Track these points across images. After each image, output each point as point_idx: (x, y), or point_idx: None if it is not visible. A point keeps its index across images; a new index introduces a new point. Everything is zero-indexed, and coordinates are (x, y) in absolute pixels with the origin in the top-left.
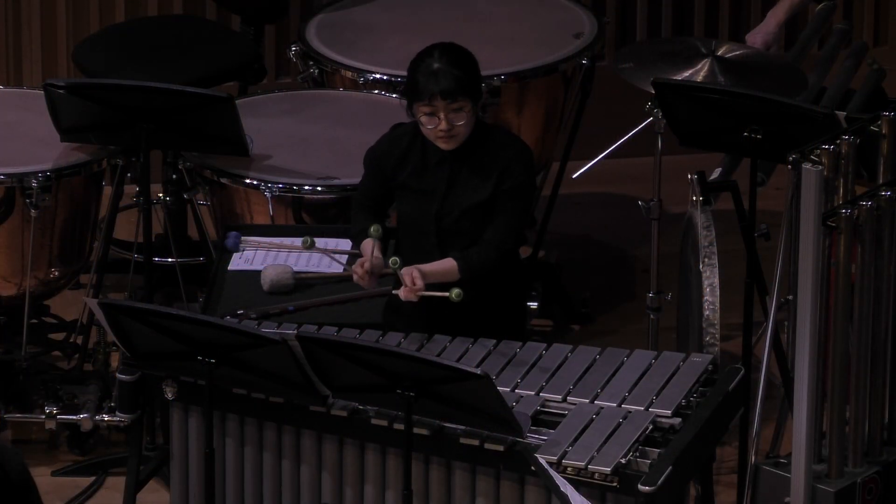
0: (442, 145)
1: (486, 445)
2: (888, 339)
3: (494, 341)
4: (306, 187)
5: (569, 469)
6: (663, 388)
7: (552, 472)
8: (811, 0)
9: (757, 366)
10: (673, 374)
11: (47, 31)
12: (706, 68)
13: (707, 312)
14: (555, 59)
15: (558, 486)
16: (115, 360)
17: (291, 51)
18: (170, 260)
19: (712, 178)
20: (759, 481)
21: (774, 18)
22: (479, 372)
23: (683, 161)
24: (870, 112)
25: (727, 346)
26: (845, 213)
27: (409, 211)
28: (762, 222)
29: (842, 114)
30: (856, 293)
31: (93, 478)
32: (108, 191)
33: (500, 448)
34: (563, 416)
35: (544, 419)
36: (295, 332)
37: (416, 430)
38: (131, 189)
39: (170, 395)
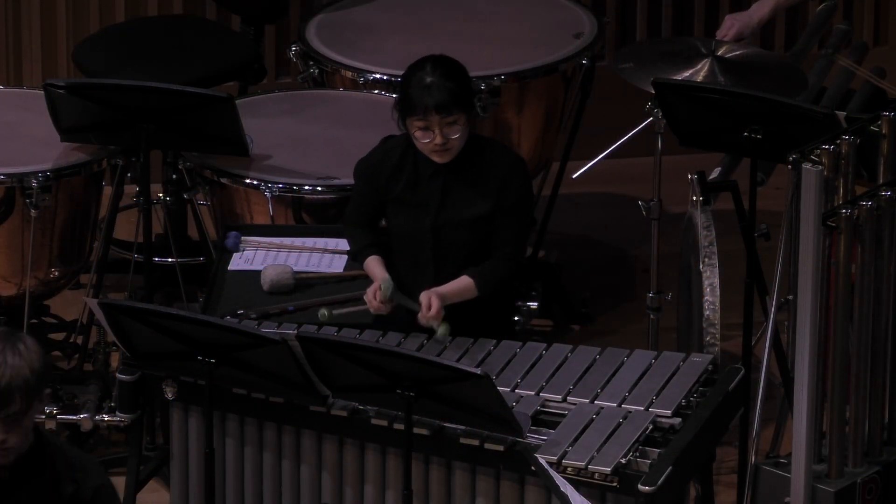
0: (436, 159)
1: (486, 445)
2: (888, 339)
3: (494, 341)
4: (306, 187)
5: (569, 469)
6: (663, 388)
7: (552, 472)
8: (801, 1)
9: (757, 366)
10: (673, 374)
11: (47, 31)
12: (706, 68)
13: (707, 312)
14: (555, 59)
15: (558, 486)
16: (115, 360)
17: (291, 51)
18: (170, 260)
19: (712, 178)
20: (759, 481)
21: (759, 13)
22: (479, 372)
23: (683, 161)
24: (870, 112)
25: (727, 346)
26: (845, 213)
27: (402, 224)
28: (762, 222)
29: (842, 114)
30: (856, 293)
31: None
32: (108, 191)
33: (500, 448)
34: (563, 416)
35: (544, 419)
36: (295, 332)
37: (416, 430)
38: (131, 189)
39: (170, 395)
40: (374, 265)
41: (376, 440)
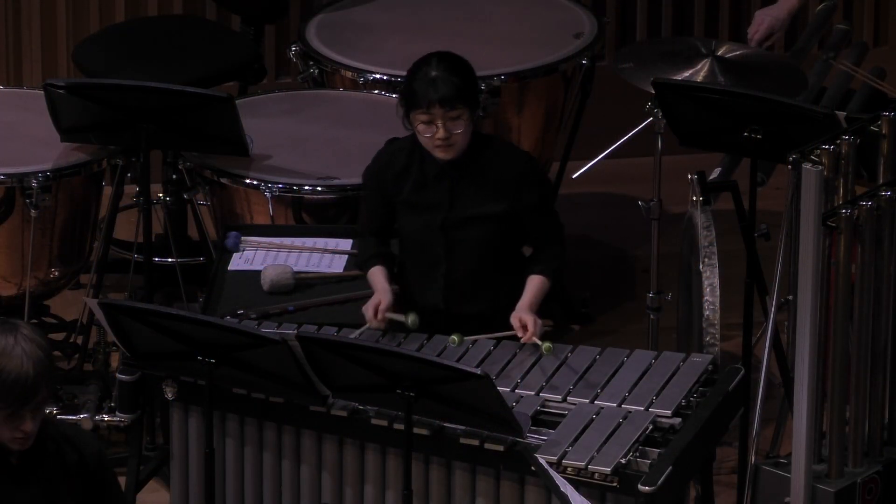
0: (440, 154)
1: (486, 445)
2: (888, 339)
3: (495, 341)
4: (306, 187)
5: (569, 469)
6: (663, 388)
7: (552, 472)
8: None
9: (757, 366)
10: (673, 374)
11: (47, 31)
12: (706, 68)
13: (707, 312)
14: (555, 59)
15: (558, 486)
16: (115, 360)
17: (291, 51)
18: (170, 260)
19: (712, 178)
20: (759, 481)
21: (788, 5)
22: (479, 372)
23: (683, 161)
24: (870, 112)
25: (727, 346)
26: (845, 213)
27: (412, 225)
28: (762, 222)
29: (842, 114)
30: (856, 293)
31: None
32: (108, 191)
33: (500, 448)
34: (563, 416)
35: (544, 419)
36: (295, 332)
37: (416, 430)
38: (131, 189)
39: (170, 395)
40: (376, 276)
41: (376, 440)
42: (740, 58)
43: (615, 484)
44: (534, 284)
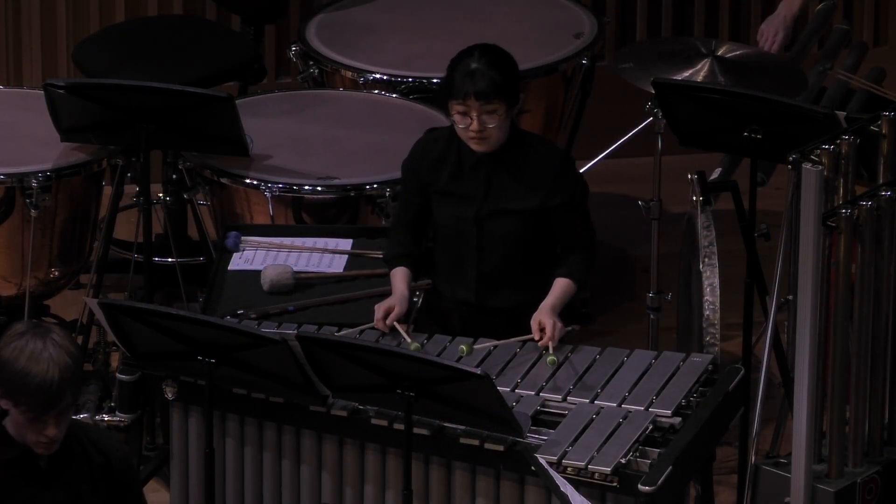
0: (474, 146)
1: (486, 445)
2: (888, 339)
3: (495, 341)
4: (306, 187)
5: (569, 469)
6: (663, 388)
7: (552, 472)
8: None
9: (757, 366)
10: (673, 374)
11: (47, 31)
12: (706, 68)
13: (707, 312)
14: (555, 59)
15: (558, 486)
16: (115, 360)
17: (291, 51)
18: (170, 260)
19: (712, 178)
20: (759, 481)
21: (790, 11)
22: (479, 372)
23: (683, 161)
24: (870, 112)
25: (727, 346)
26: (845, 213)
27: (447, 215)
28: (762, 222)
29: (842, 114)
30: (856, 293)
31: None
32: (108, 191)
33: (500, 448)
34: (563, 416)
35: (544, 419)
36: (295, 332)
37: (416, 430)
38: (131, 189)
39: (170, 395)
40: (397, 278)
41: (376, 440)
42: (740, 58)
43: (615, 484)
44: (559, 286)
